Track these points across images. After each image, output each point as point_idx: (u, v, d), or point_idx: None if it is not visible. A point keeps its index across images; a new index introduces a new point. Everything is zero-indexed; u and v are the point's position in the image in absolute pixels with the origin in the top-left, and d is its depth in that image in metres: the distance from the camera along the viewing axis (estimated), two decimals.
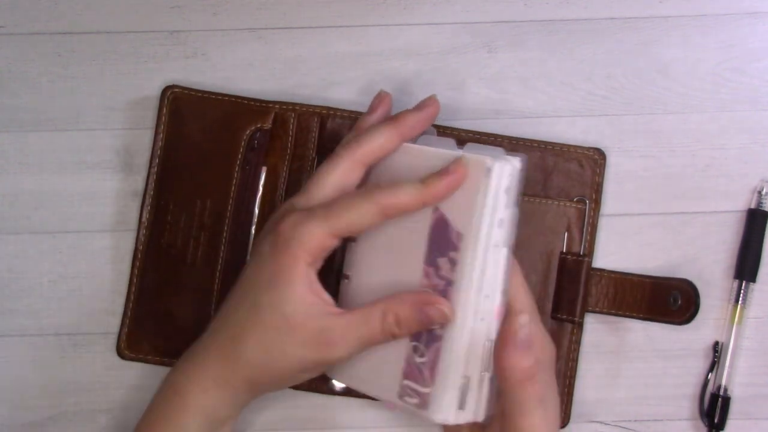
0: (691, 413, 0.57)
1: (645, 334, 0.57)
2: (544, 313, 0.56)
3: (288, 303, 0.47)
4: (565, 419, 0.56)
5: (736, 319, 0.56)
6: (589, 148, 0.57)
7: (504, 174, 0.47)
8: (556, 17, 0.59)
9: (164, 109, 0.57)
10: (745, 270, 0.57)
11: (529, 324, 0.47)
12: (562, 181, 0.57)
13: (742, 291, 0.56)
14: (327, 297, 0.49)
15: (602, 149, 0.57)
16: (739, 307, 0.56)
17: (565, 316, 0.56)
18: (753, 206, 0.57)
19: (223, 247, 0.56)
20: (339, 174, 0.50)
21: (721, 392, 0.56)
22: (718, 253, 0.57)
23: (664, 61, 0.59)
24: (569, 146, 0.57)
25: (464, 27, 0.59)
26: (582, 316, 0.56)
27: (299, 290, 0.47)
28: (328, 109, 0.57)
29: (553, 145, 0.57)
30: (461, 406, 0.47)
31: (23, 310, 0.58)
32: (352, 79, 0.59)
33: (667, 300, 0.55)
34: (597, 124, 0.58)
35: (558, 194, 0.57)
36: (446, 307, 0.47)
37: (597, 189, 0.57)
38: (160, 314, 0.56)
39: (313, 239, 0.47)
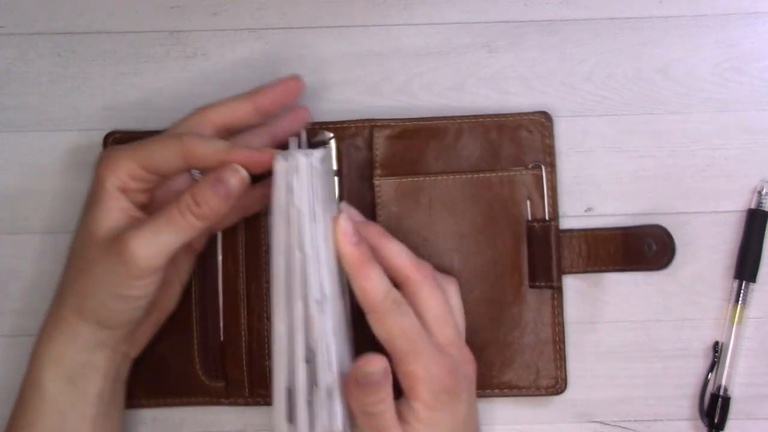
0: (691, 413, 0.57)
1: (645, 334, 0.57)
2: (521, 284, 0.56)
3: (92, 220, 0.49)
4: (562, 386, 0.56)
5: (736, 319, 0.56)
6: (533, 113, 0.57)
7: (281, 169, 0.46)
8: (556, 17, 0.59)
9: None
10: (745, 270, 0.57)
11: (378, 380, 0.46)
12: (514, 151, 0.57)
13: (742, 291, 0.56)
14: (140, 216, 0.50)
15: (547, 111, 0.57)
16: (739, 307, 0.56)
17: (543, 283, 0.56)
18: (753, 206, 0.57)
19: (193, 278, 0.56)
20: (185, 128, 0.51)
21: (721, 392, 0.56)
22: (718, 253, 0.57)
23: (664, 61, 0.59)
24: (513, 114, 0.57)
25: (464, 27, 0.59)
26: (559, 280, 0.56)
27: (103, 206, 0.49)
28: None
29: (498, 116, 0.57)
30: (290, 419, 0.47)
31: (23, 310, 0.58)
32: (352, 79, 0.59)
33: (642, 248, 0.56)
34: (597, 124, 0.58)
35: (512, 164, 0.57)
36: (234, 165, 0.47)
37: (549, 152, 0.57)
38: (148, 358, 0.55)
39: (118, 164, 0.49)
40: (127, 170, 0.49)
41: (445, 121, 0.57)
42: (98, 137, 0.58)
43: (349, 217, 0.48)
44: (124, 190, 0.49)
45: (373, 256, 0.48)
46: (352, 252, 0.48)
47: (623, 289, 0.57)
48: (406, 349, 0.48)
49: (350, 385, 0.47)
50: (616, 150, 0.58)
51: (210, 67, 0.59)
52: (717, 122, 0.58)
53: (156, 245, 0.47)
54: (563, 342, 0.56)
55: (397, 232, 0.56)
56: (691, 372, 0.57)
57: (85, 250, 0.49)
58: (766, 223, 0.57)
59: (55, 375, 0.49)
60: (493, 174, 0.57)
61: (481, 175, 0.57)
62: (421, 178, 0.57)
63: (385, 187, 0.57)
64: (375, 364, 0.46)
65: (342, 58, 0.59)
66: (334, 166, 0.56)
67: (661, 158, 0.58)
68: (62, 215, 0.58)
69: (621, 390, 0.57)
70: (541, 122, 0.57)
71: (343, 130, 0.57)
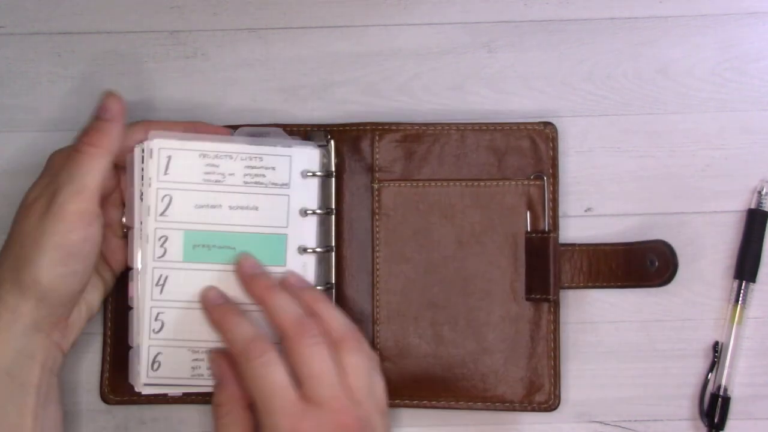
0: (691, 413, 0.57)
1: (645, 334, 0.57)
2: (518, 296, 0.55)
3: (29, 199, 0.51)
4: (555, 402, 0.55)
5: (736, 319, 0.56)
6: (538, 123, 0.57)
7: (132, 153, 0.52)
8: (556, 17, 0.59)
9: None
10: (745, 270, 0.57)
11: (216, 370, 0.52)
12: (517, 161, 0.57)
13: (742, 291, 0.56)
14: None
15: (552, 122, 0.57)
16: (739, 307, 0.56)
17: (539, 296, 0.55)
18: (753, 206, 0.57)
19: None
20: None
21: (721, 392, 0.56)
22: (718, 253, 0.57)
23: (664, 61, 0.59)
24: (518, 124, 0.57)
25: (464, 27, 0.59)
26: (556, 294, 0.55)
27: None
28: (276, 125, 0.57)
29: (502, 125, 0.57)
30: (132, 370, 0.53)
31: None
32: (352, 79, 0.59)
33: (644, 264, 0.55)
34: (597, 124, 0.58)
35: (514, 174, 0.56)
36: (113, 91, 0.52)
37: (553, 163, 0.57)
38: None
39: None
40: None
41: (449, 128, 0.57)
42: None
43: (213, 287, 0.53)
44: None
45: (238, 310, 0.52)
46: (210, 315, 0.53)
47: (623, 289, 0.57)
48: (263, 403, 0.48)
49: None
50: (616, 150, 0.58)
51: (210, 67, 0.59)
52: (717, 122, 0.58)
53: (77, 187, 0.49)
54: (558, 358, 0.56)
55: (394, 237, 0.56)
56: (691, 372, 0.57)
57: (20, 225, 0.50)
58: (766, 223, 0.57)
59: None
60: (495, 183, 0.56)
61: (483, 183, 0.56)
62: (422, 184, 0.56)
63: (385, 191, 0.57)
64: (212, 354, 0.53)
65: (342, 58, 0.59)
66: (332, 168, 0.56)
67: (661, 158, 0.58)
68: None
69: (621, 390, 0.57)
70: (546, 133, 0.57)
71: (345, 132, 0.57)
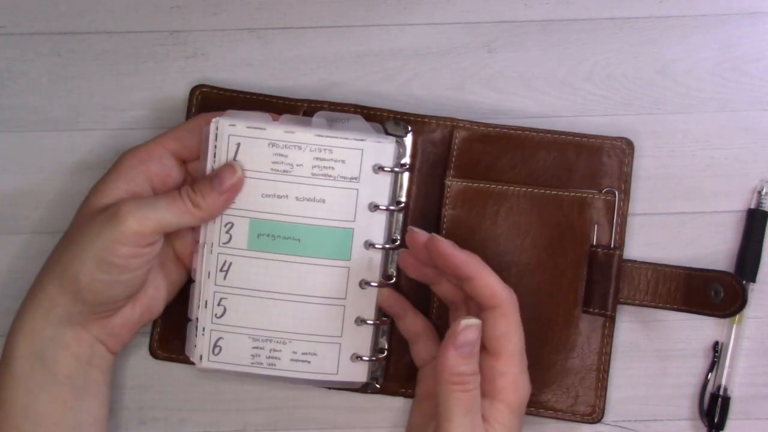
0: (691, 413, 0.57)
1: (645, 334, 0.57)
2: (575, 307, 0.55)
3: (95, 193, 0.51)
4: (599, 415, 0.55)
5: (736, 319, 0.56)
6: (616, 138, 0.56)
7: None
8: (556, 17, 0.59)
9: (193, 110, 0.57)
10: (745, 270, 0.57)
11: (477, 337, 0.48)
12: (590, 173, 0.56)
13: None
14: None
15: (629, 139, 0.57)
16: None
17: (597, 311, 0.55)
18: (753, 206, 0.57)
19: None
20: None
21: (721, 392, 0.56)
22: (718, 253, 0.57)
23: (664, 61, 0.59)
24: (595, 136, 0.56)
25: (464, 27, 0.59)
26: (614, 310, 0.55)
27: (109, 185, 0.51)
28: (357, 107, 0.57)
29: (580, 135, 0.56)
30: (189, 343, 0.54)
31: None
32: (352, 79, 0.59)
33: (708, 292, 0.54)
34: (597, 124, 0.58)
35: (586, 186, 0.56)
36: (234, 165, 0.52)
37: (626, 180, 0.56)
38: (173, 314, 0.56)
39: (138, 149, 0.52)
40: (145, 149, 0.52)
41: (527, 132, 0.56)
42: (98, 137, 0.59)
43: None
44: (143, 168, 0.51)
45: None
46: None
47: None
48: (515, 348, 0.49)
49: (447, 343, 0.48)
50: None
51: (210, 67, 0.59)
52: (717, 122, 0.58)
53: (148, 214, 0.49)
54: (607, 372, 0.55)
55: (460, 237, 0.55)
56: (691, 372, 0.57)
57: (79, 220, 0.51)
58: (766, 223, 0.57)
59: (25, 350, 0.49)
60: (565, 193, 0.56)
61: (553, 192, 0.56)
62: (493, 186, 0.56)
63: (456, 188, 0.56)
64: (472, 319, 0.48)
65: (342, 58, 0.59)
66: (406, 160, 0.56)
67: (661, 158, 0.58)
68: (62, 215, 0.58)
69: (621, 390, 0.57)
70: (622, 148, 0.56)
71: (423, 124, 0.56)
